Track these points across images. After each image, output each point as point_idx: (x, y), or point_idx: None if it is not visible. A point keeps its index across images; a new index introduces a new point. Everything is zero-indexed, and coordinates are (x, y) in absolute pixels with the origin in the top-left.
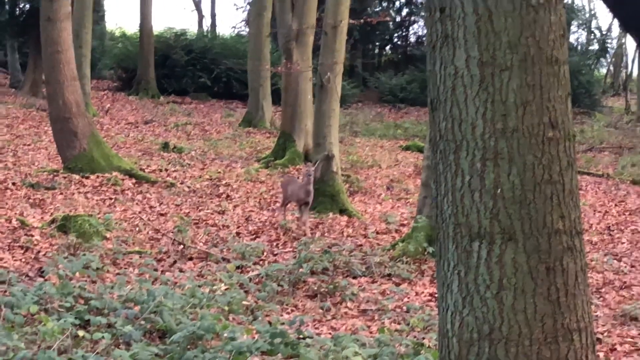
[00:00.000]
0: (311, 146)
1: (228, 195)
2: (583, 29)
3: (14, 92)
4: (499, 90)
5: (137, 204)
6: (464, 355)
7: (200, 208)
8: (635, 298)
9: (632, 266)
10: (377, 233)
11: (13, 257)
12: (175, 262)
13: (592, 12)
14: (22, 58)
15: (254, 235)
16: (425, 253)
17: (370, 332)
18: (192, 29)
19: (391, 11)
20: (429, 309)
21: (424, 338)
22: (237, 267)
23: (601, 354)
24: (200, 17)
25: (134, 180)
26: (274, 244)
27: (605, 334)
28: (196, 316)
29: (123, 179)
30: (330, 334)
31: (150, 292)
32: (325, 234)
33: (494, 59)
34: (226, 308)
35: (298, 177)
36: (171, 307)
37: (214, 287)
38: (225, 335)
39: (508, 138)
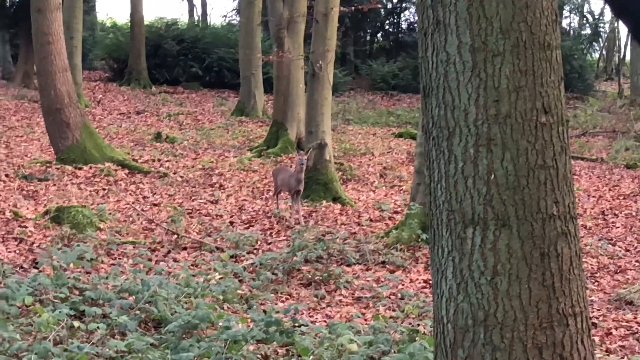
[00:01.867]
0: (303, 134)
1: (221, 185)
2: (575, 14)
3: (5, 84)
4: (492, 76)
5: (130, 194)
6: (459, 341)
7: (193, 198)
8: (630, 282)
9: (627, 250)
10: (371, 221)
11: (7, 248)
12: (169, 252)
13: None
14: (13, 50)
15: (248, 225)
16: (419, 240)
17: (365, 320)
18: (183, 18)
19: None
20: (424, 296)
21: (418, 325)
22: (231, 257)
23: (596, 338)
24: (191, 6)
25: (127, 171)
26: (268, 232)
27: (601, 318)
28: (191, 305)
29: (116, 170)
30: (325, 321)
31: (145, 282)
32: (319, 222)
33: (486, 44)
34: (221, 297)
35: (291, 166)
36: (166, 296)
37: (208, 277)
38: (220, 324)
39: (501, 124)
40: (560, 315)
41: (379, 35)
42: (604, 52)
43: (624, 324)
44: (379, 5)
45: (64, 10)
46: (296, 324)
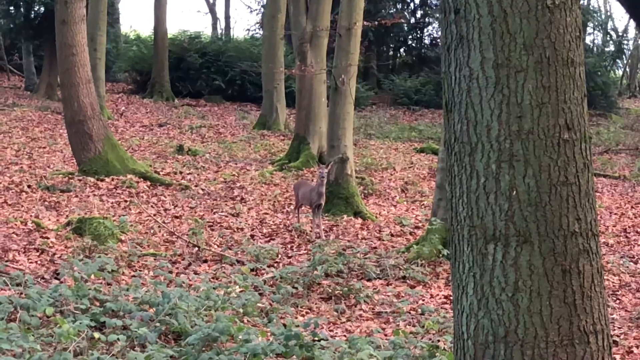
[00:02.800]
0: (325, 148)
1: (242, 198)
2: (599, 30)
3: (29, 95)
4: (515, 92)
5: (151, 206)
6: (479, 358)
7: (214, 210)
8: None
9: None
10: (392, 235)
11: (29, 259)
12: (189, 264)
13: (608, 14)
14: (37, 61)
15: (268, 238)
16: (440, 255)
17: (385, 335)
18: (206, 31)
19: (406, 13)
20: (444, 312)
21: (439, 340)
22: (252, 270)
23: (617, 357)
24: (215, 19)
25: (148, 183)
26: (288, 246)
27: (622, 336)
28: (211, 318)
29: (138, 182)
30: (344, 336)
31: (165, 294)
32: (340, 237)
33: (509, 60)
34: (241, 310)
35: (312, 180)
36: (186, 309)
37: (229, 290)
38: (240, 337)
39: (523, 140)
40: (582, 332)
41: (402, 50)
42: (628, 70)
43: None
44: (402, 20)
45: (88, 22)
46: (316, 338)
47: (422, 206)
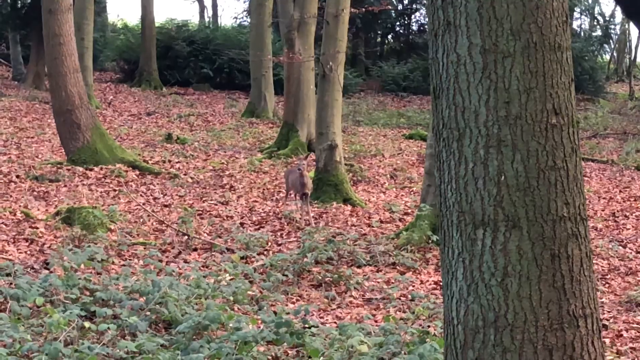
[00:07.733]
0: (314, 136)
1: (232, 186)
2: (586, 15)
3: (16, 85)
4: (502, 78)
5: (141, 195)
6: (469, 343)
7: (204, 199)
8: None
9: (638, 252)
10: (381, 222)
11: (18, 249)
12: (179, 253)
13: None
14: (24, 51)
15: (258, 226)
16: (430, 241)
17: (376, 321)
18: (194, 20)
19: None
20: (434, 297)
21: (429, 326)
22: (242, 258)
23: (607, 340)
24: (202, 7)
25: (137, 172)
26: (278, 234)
27: (611, 320)
28: (201, 307)
29: (127, 171)
30: (335, 323)
31: (155, 283)
32: (329, 224)
33: (497, 45)
34: (231, 298)
35: None
36: (176, 297)
37: (219, 278)
38: (230, 325)
39: (511, 125)
40: (571, 316)
41: (389, 36)
42: (615, 54)
43: (634, 325)
44: (390, 7)
45: (75, 12)
46: (306, 325)
47: (411, 192)
